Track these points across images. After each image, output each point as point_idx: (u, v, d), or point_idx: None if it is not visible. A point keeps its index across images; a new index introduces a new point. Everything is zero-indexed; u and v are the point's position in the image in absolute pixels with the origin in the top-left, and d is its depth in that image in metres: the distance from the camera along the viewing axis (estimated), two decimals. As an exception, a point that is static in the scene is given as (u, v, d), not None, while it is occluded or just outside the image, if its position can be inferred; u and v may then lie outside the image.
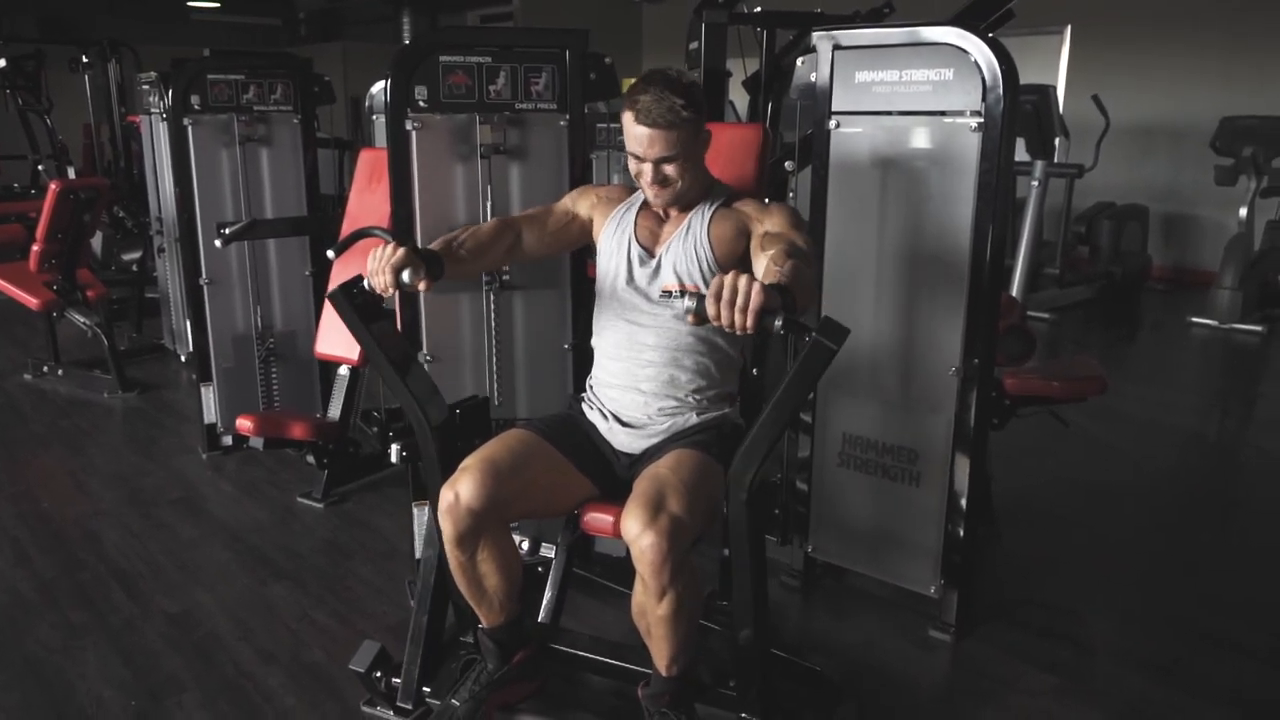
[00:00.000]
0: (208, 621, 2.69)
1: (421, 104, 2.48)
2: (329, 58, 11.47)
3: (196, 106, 3.73)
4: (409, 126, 2.48)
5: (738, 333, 1.50)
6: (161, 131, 4.95)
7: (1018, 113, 2.33)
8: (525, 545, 2.70)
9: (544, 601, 2.37)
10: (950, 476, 2.52)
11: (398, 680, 2.21)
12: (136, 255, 6.18)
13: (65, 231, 4.69)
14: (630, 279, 2.08)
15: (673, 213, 2.10)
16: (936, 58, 2.34)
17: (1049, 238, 7.37)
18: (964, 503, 2.51)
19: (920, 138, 2.42)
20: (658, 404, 2.04)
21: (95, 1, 11.36)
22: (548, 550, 2.63)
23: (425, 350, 2.63)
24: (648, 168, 1.97)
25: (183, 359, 5.29)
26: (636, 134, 1.94)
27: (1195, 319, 6.48)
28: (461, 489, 1.87)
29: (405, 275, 1.82)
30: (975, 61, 2.27)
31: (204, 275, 3.84)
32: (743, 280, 1.49)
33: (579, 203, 2.23)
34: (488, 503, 1.87)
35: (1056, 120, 6.54)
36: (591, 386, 2.18)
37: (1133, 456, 4.09)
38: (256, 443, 3.33)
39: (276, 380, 4.06)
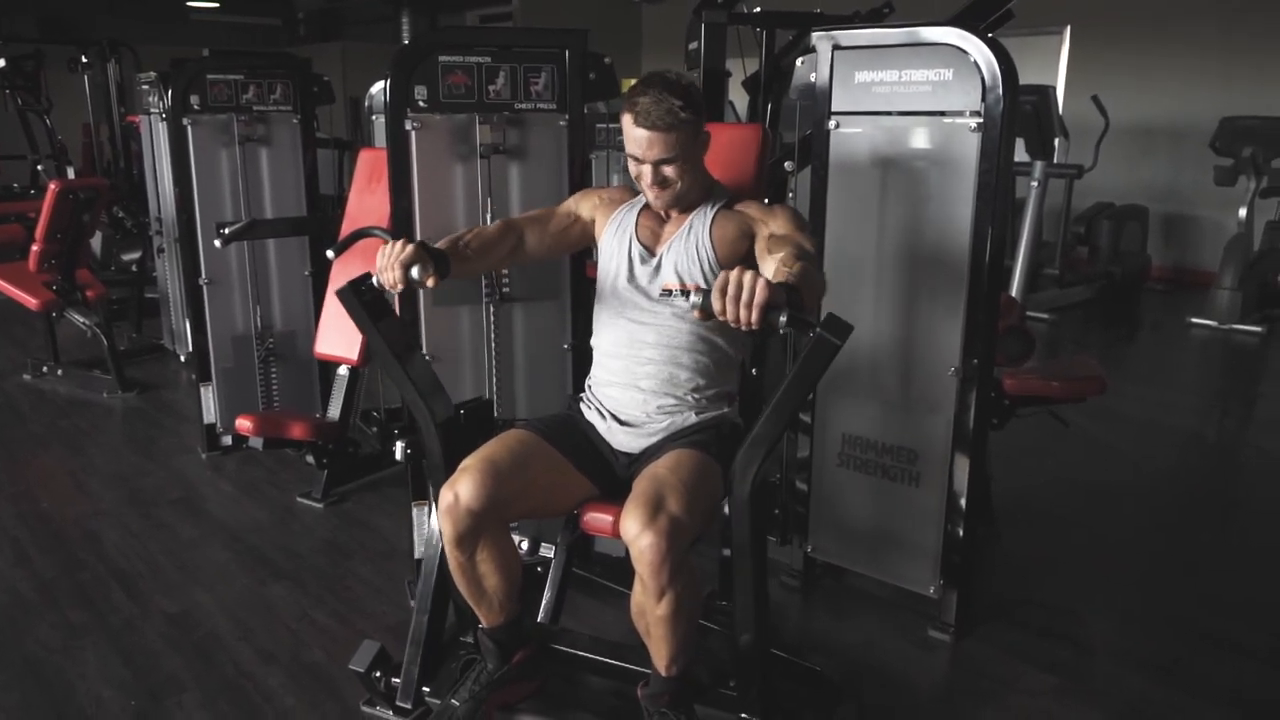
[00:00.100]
0: (207, 621, 2.69)
1: (421, 104, 2.48)
2: (328, 58, 11.48)
3: (196, 106, 3.73)
4: (408, 126, 2.47)
5: (743, 328, 1.52)
6: (161, 131, 4.95)
7: (1017, 113, 2.33)
8: (525, 545, 2.70)
9: (544, 601, 2.37)
10: (950, 477, 2.52)
11: (397, 680, 2.21)
12: (136, 255, 6.18)
13: (65, 231, 4.68)
14: (631, 277, 2.08)
15: (673, 214, 2.10)
16: (936, 58, 2.34)
17: (1048, 238, 7.37)
18: (963, 503, 2.52)
19: (920, 138, 2.42)
20: (656, 402, 2.04)
21: (95, 1, 11.36)
22: (547, 550, 2.63)
23: (425, 351, 2.62)
24: (647, 169, 1.97)
25: (182, 359, 5.29)
26: (636, 136, 1.94)
27: (1195, 319, 6.48)
28: (461, 489, 1.87)
29: (414, 271, 1.83)
30: (975, 62, 2.27)
31: (203, 275, 3.85)
32: (748, 276, 1.50)
33: (581, 205, 2.24)
34: (487, 503, 1.87)
35: (1056, 121, 6.54)
36: (590, 386, 2.18)
37: (1132, 457, 4.09)
38: (256, 443, 3.34)
39: (276, 380, 4.06)
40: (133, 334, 5.95)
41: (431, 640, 2.21)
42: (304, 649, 2.55)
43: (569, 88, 2.57)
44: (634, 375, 2.06)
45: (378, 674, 2.21)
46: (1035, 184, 6.27)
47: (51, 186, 4.63)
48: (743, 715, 2.00)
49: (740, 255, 2.02)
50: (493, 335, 2.67)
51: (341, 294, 1.93)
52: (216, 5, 12.17)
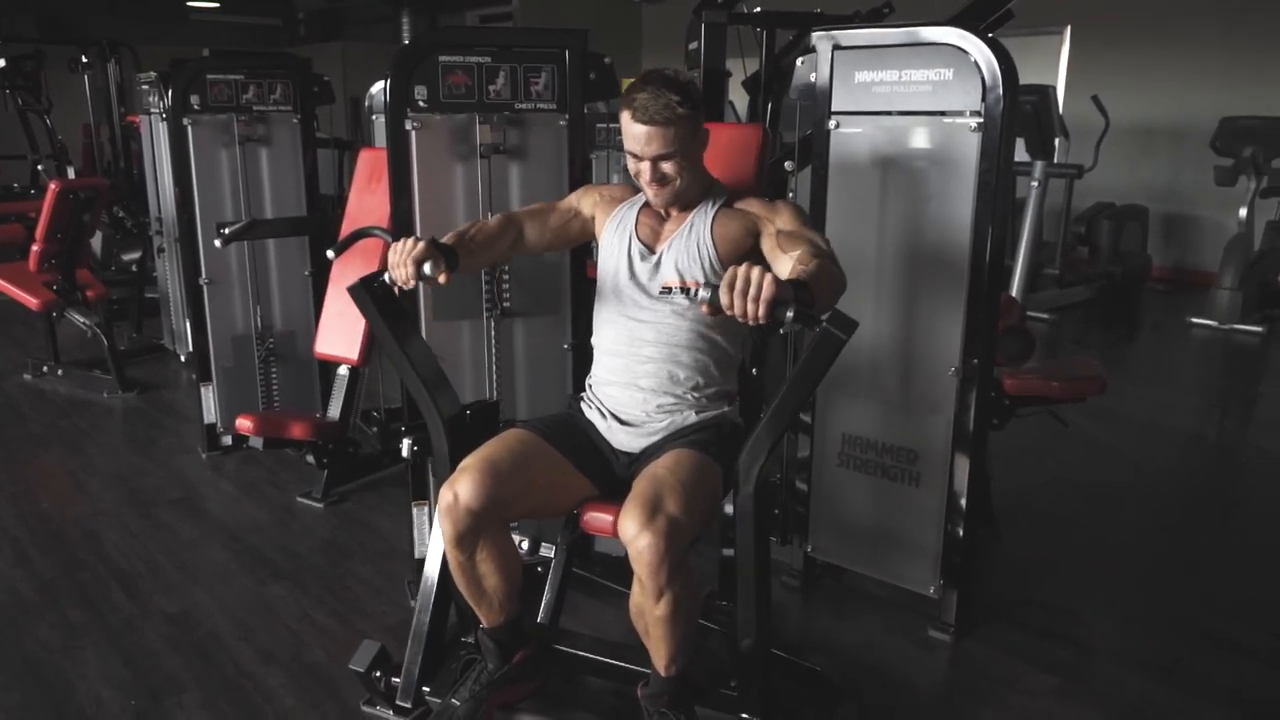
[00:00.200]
0: (207, 621, 2.69)
1: (421, 104, 2.48)
2: (328, 58, 11.47)
3: (196, 106, 3.73)
4: (409, 126, 2.47)
5: (750, 322, 1.54)
6: (161, 131, 4.95)
7: (1017, 113, 2.33)
8: (525, 545, 2.70)
9: (544, 601, 2.37)
10: (950, 477, 2.52)
11: (397, 680, 2.21)
12: (136, 255, 6.18)
13: (65, 231, 4.68)
14: (630, 275, 2.08)
15: (673, 212, 2.10)
16: (936, 58, 2.34)
17: (1049, 238, 7.37)
18: (964, 503, 2.51)
19: (920, 138, 2.42)
20: (656, 401, 2.04)
21: (95, 1, 11.36)
22: (547, 550, 2.63)
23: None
24: (646, 166, 1.97)
25: (182, 359, 5.29)
26: (634, 132, 1.94)
27: (1195, 319, 6.48)
28: (461, 489, 1.87)
29: (427, 267, 1.85)
30: (975, 62, 2.27)
31: (204, 275, 3.85)
32: (755, 271, 1.53)
33: (583, 200, 2.24)
34: (487, 503, 1.87)
35: (1056, 120, 6.54)
36: (591, 386, 2.18)
37: (1132, 457, 4.09)
38: (256, 443, 3.34)
39: (276, 380, 4.06)
40: (133, 334, 5.95)
41: (432, 640, 2.21)
42: (304, 649, 2.55)
43: (569, 88, 2.57)
44: (634, 374, 2.06)
45: (378, 674, 2.21)
46: (1035, 184, 6.27)
47: (52, 186, 4.63)
48: (743, 716, 2.00)
49: (743, 253, 2.01)
50: (493, 349, 2.67)
51: (354, 290, 1.96)
52: (217, 5, 12.17)
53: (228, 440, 3.97)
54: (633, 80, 1.98)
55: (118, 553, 3.10)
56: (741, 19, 3.09)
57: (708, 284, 1.58)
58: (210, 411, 3.94)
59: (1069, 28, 8.24)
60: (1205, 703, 2.34)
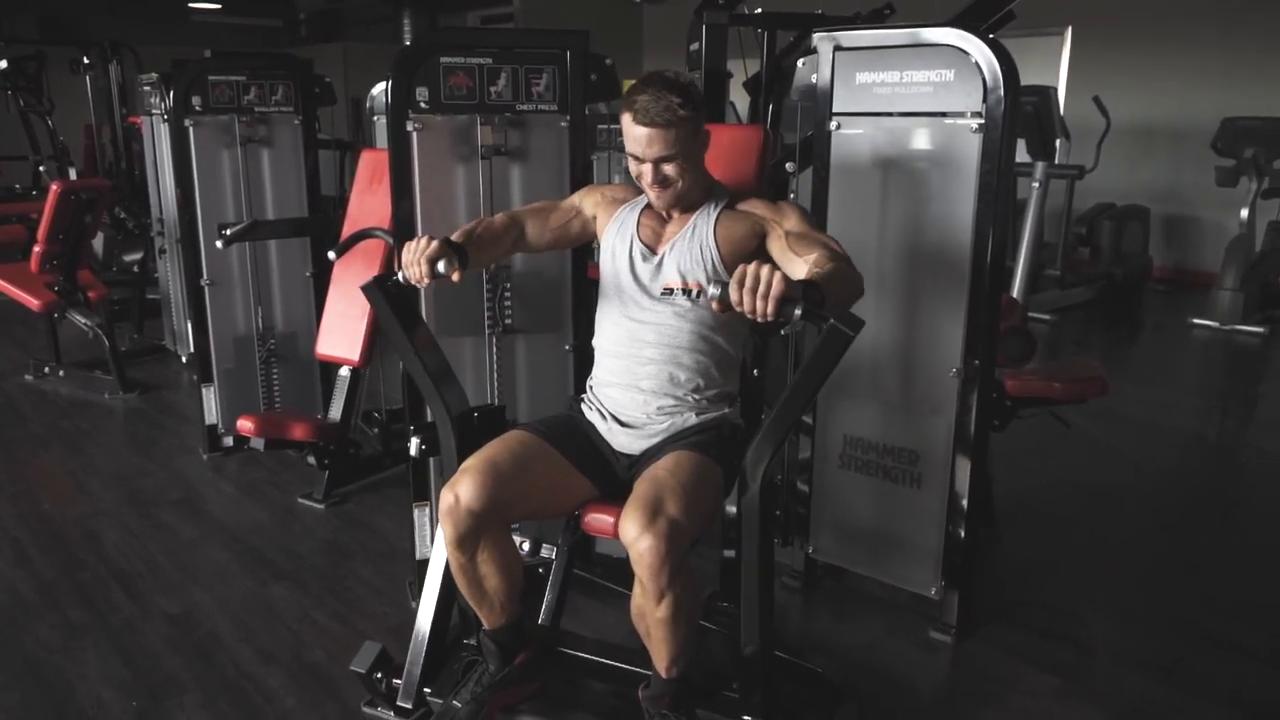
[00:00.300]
0: (208, 622, 2.69)
1: (422, 105, 2.47)
2: (330, 59, 11.47)
3: (198, 108, 3.74)
4: (410, 128, 2.47)
5: (758, 319, 1.56)
6: (163, 132, 4.96)
7: (1018, 114, 2.33)
8: (526, 546, 2.69)
9: (545, 603, 2.37)
10: (951, 478, 2.52)
11: (398, 681, 2.21)
12: (138, 256, 6.18)
13: (66, 232, 4.69)
14: (632, 276, 2.08)
15: (675, 213, 2.10)
16: (937, 59, 2.34)
17: (1050, 239, 7.37)
18: (965, 504, 2.51)
19: (921, 139, 2.42)
20: (657, 402, 2.04)
21: (95, 2, 11.36)
22: (548, 552, 2.63)
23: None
24: (648, 168, 1.97)
25: (184, 360, 5.30)
26: (635, 134, 1.94)
27: (1196, 320, 6.48)
28: (462, 490, 1.87)
29: (440, 266, 1.87)
30: (976, 63, 2.27)
31: (205, 276, 3.85)
32: (765, 269, 1.55)
33: (584, 200, 2.24)
34: (488, 504, 1.87)
35: (1057, 121, 6.53)
36: (591, 387, 2.18)
37: (1134, 458, 4.09)
38: (257, 444, 3.34)
39: (277, 381, 4.06)
40: (134, 335, 5.96)
41: (434, 641, 2.21)
42: (305, 650, 2.55)
43: (570, 89, 2.57)
44: (635, 375, 2.05)
45: (379, 675, 2.20)
46: (1036, 185, 6.26)
47: (53, 187, 4.63)
48: (745, 718, 2.00)
49: (747, 254, 2.00)
50: (495, 366, 2.68)
51: (367, 289, 1.99)
52: (218, 6, 12.17)
53: (229, 441, 3.97)
54: (634, 82, 1.98)
55: (118, 553, 3.10)
56: (743, 20, 3.09)
57: (717, 281, 1.61)
58: (211, 412, 3.94)
59: (1070, 28, 8.24)
60: (1206, 703, 2.34)
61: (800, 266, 1.84)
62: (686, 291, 2.02)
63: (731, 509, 1.92)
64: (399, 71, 2.44)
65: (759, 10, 3.12)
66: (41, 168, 8.00)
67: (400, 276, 1.94)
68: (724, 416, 2.08)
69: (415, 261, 1.87)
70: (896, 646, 2.58)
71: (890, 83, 2.43)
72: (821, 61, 2.53)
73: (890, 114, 2.45)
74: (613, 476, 2.05)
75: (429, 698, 2.19)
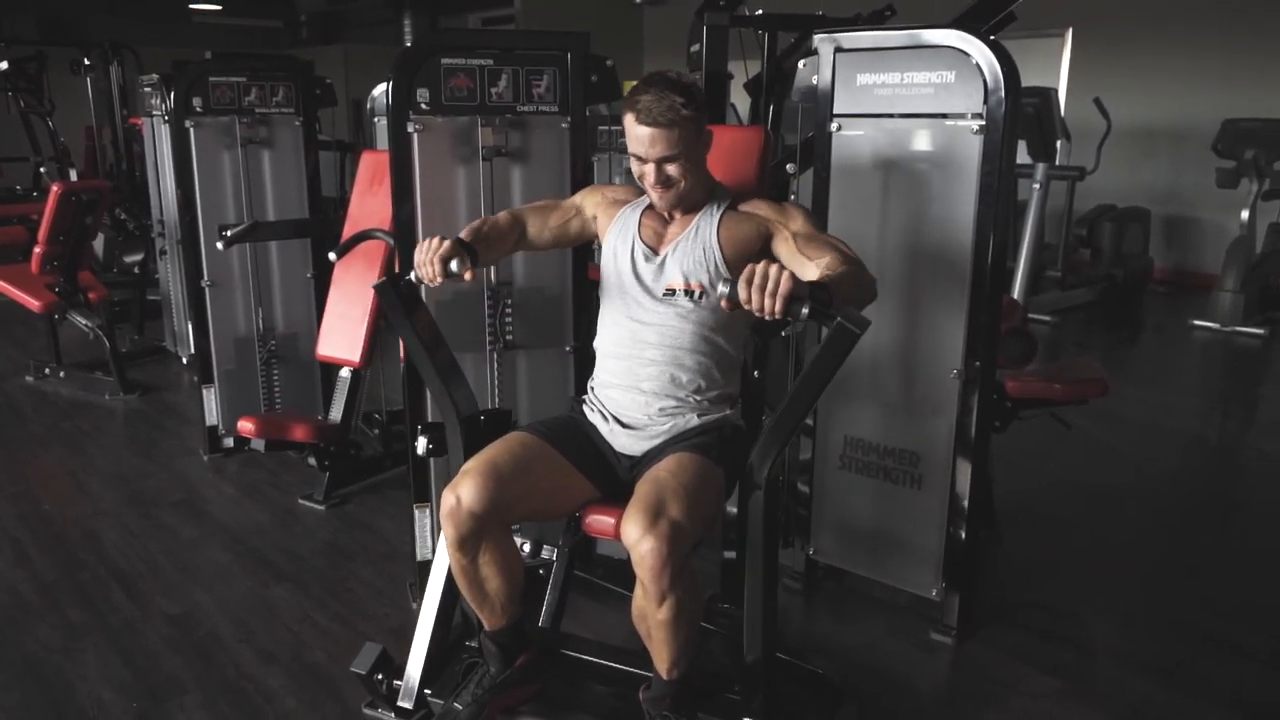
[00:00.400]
0: (208, 623, 2.69)
1: (423, 106, 2.47)
2: (330, 60, 11.49)
3: (198, 109, 3.74)
4: (411, 129, 2.47)
5: (766, 317, 1.59)
6: (163, 134, 4.96)
7: (1019, 115, 2.33)
8: (527, 548, 2.69)
9: (545, 604, 2.36)
10: (952, 479, 2.52)
11: (399, 682, 2.21)
12: (138, 257, 6.18)
13: (67, 234, 4.69)
14: (634, 277, 2.08)
15: (677, 214, 2.10)
16: (938, 60, 2.34)
17: (1050, 240, 7.37)
18: (965, 505, 2.51)
19: (922, 140, 2.42)
20: (658, 404, 2.04)
21: (96, 2, 11.37)
22: (549, 553, 2.63)
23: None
24: (650, 169, 1.97)
25: (184, 361, 5.30)
26: (638, 134, 1.94)
27: (1197, 322, 6.48)
28: (463, 492, 1.87)
29: (453, 265, 1.90)
30: (977, 64, 2.27)
31: (205, 277, 3.85)
32: (773, 268, 1.58)
33: (586, 200, 2.25)
34: (489, 505, 1.87)
35: (1058, 123, 6.53)
36: (593, 388, 2.17)
37: (1134, 459, 4.09)
38: (258, 445, 3.34)
39: (278, 382, 4.06)
40: (135, 336, 5.96)
41: (435, 642, 2.21)
42: (305, 651, 2.55)
43: (571, 90, 2.57)
44: (636, 377, 2.05)
45: (379, 676, 2.20)
46: (1037, 186, 6.26)
47: (54, 189, 4.63)
48: None
49: (751, 255, 1.99)
50: (496, 381, 2.67)
51: (380, 288, 2.01)
52: (218, 7, 12.18)
53: (229, 442, 3.97)
54: (635, 82, 1.98)
55: (119, 554, 3.10)
56: (743, 21, 3.09)
57: (727, 279, 1.64)
58: (212, 413, 3.94)
59: (1070, 30, 8.24)
60: (1206, 705, 2.34)
61: (812, 269, 1.84)
62: (689, 293, 2.02)
63: (732, 510, 1.92)
64: (400, 73, 2.44)
65: (760, 12, 3.12)
66: (42, 169, 8.00)
67: (413, 276, 1.96)
68: (725, 418, 2.08)
69: (428, 261, 1.89)
70: (897, 648, 2.58)
71: (891, 84, 2.43)
72: (822, 63, 2.54)
73: (891, 115, 2.45)
74: (614, 478, 2.05)
75: (430, 699, 2.19)
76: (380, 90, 4.40)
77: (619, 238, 2.13)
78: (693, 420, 2.03)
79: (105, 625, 2.67)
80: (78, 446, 4.14)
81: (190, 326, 4.43)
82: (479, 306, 2.62)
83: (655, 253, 2.08)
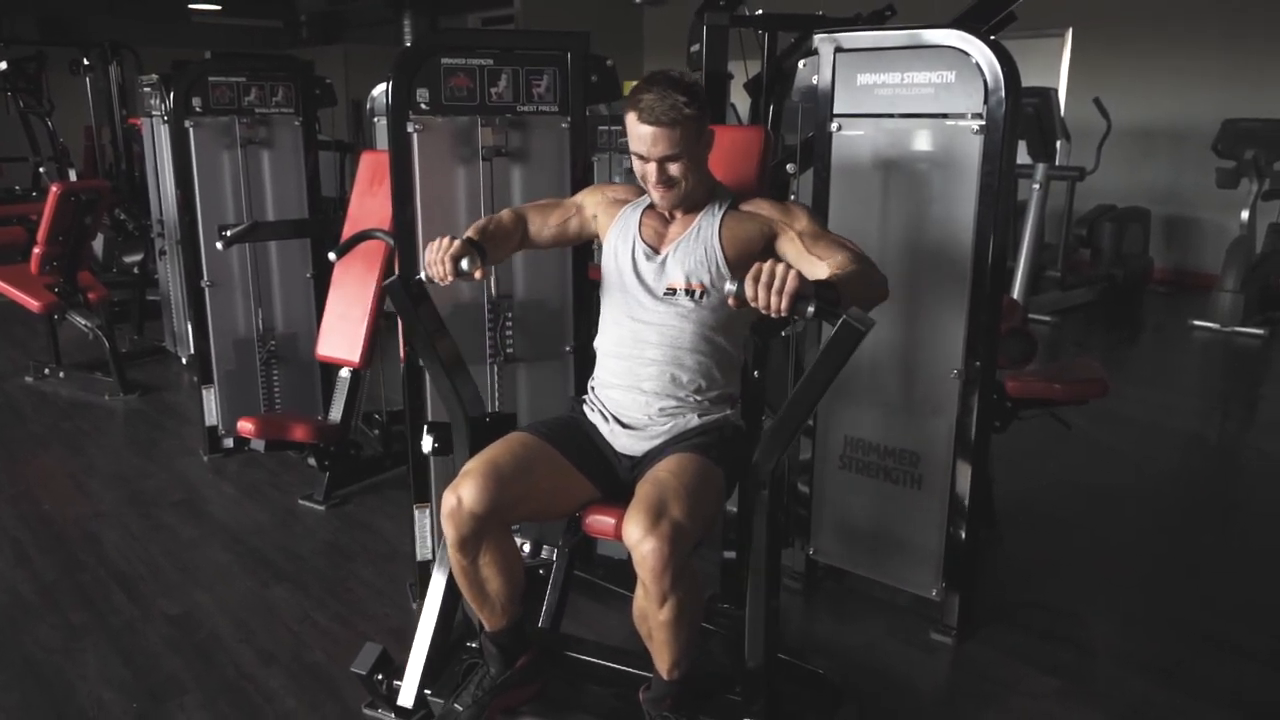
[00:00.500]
0: (208, 623, 2.68)
1: (423, 106, 2.47)
2: (330, 60, 11.48)
3: (198, 109, 3.74)
4: (410, 129, 2.47)
5: (772, 314, 1.60)
6: (163, 134, 4.95)
7: (1019, 115, 2.33)
8: (527, 548, 2.69)
9: (545, 604, 2.36)
10: (952, 479, 2.52)
11: (399, 683, 2.21)
12: (138, 257, 6.18)
13: (66, 234, 4.69)
14: (635, 276, 2.08)
15: (678, 214, 2.10)
16: (938, 60, 2.34)
17: (1050, 240, 7.36)
18: (965, 505, 2.51)
19: (922, 140, 2.42)
20: (659, 404, 2.03)
21: (95, 2, 11.37)
22: (549, 553, 2.63)
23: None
24: (652, 168, 1.97)
25: (184, 361, 5.30)
26: (640, 133, 1.94)
27: (1197, 322, 6.48)
28: (464, 493, 1.87)
29: (464, 264, 1.91)
30: (977, 64, 2.27)
31: (205, 277, 3.85)
32: (780, 267, 1.60)
33: (587, 199, 2.25)
34: (490, 506, 1.86)
35: (1058, 123, 6.53)
36: (593, 388, 2.17)
37: (1134, 459, 4.09)
38: (258, 445, 3.34)
39: (278, 382, 4.06)
40: (134, 336, 5.96)
41: (436, 642, 2.21)
42: (305, 651, 2.54)
43: (571, 90, 2.57)
44: (637, 377, 2.05)
45: (379, 676, 2.20)
46: (1037, 186, 6.26)
47: (53, 189, 4.63)
48: (745, 720, 2.00)
49: (753, 255, 1.99)
50: (496, 395, 2.67)
51: (390, 288, 2.03)
52: (218, 7, 12.17)
53: (229, 442, 3.97)
54: (636, 82, 1.98)
55: (119, 554, 3.10)
56: (743, 21, 3.09)
57: (735, 278, 1.66)
58: (212, 414, 3.94)
59: (1070, 30, 8.24)
60: (1206, 705, 2.34)
61: (822, 268, 1.85)
62: (689, 292, 2.02)
63: (733, 510, 1.92)
64: (399, 72, 2.44)
65: (760, 11, 3.12)
66: (41, 169, 8.00)
67: (423, 275, 1.96)
68: (725, 418, 2.08)
69: (439, 261, 1.89)
70: (897, 648, 2.58)
71: (891, 84, 2.43)
72: (822, 63, 2.54)
73: (891, 115, 2.45)
74: (614, 478, 2.05)
75: (430, 699, 2.19)
76: (380, 90, 4.39)
77: (620, 237, 2.13)
78: (693, 420, 2.03)
79: (105, 625, 2.67)
80: (78, 447, 4.14)
81: (190, 327, 4.43)
82: (479, 319, 2.62)
83: (656, 252, 2.08)
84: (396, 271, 2.49)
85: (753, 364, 2.63)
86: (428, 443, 2.21)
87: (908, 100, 2.41)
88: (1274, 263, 6.62)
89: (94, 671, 2.45)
